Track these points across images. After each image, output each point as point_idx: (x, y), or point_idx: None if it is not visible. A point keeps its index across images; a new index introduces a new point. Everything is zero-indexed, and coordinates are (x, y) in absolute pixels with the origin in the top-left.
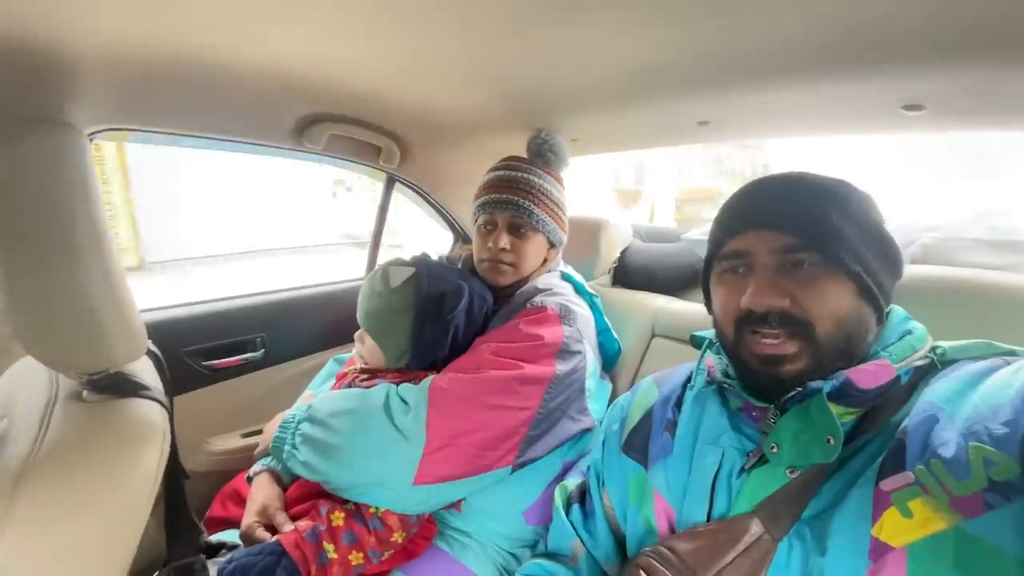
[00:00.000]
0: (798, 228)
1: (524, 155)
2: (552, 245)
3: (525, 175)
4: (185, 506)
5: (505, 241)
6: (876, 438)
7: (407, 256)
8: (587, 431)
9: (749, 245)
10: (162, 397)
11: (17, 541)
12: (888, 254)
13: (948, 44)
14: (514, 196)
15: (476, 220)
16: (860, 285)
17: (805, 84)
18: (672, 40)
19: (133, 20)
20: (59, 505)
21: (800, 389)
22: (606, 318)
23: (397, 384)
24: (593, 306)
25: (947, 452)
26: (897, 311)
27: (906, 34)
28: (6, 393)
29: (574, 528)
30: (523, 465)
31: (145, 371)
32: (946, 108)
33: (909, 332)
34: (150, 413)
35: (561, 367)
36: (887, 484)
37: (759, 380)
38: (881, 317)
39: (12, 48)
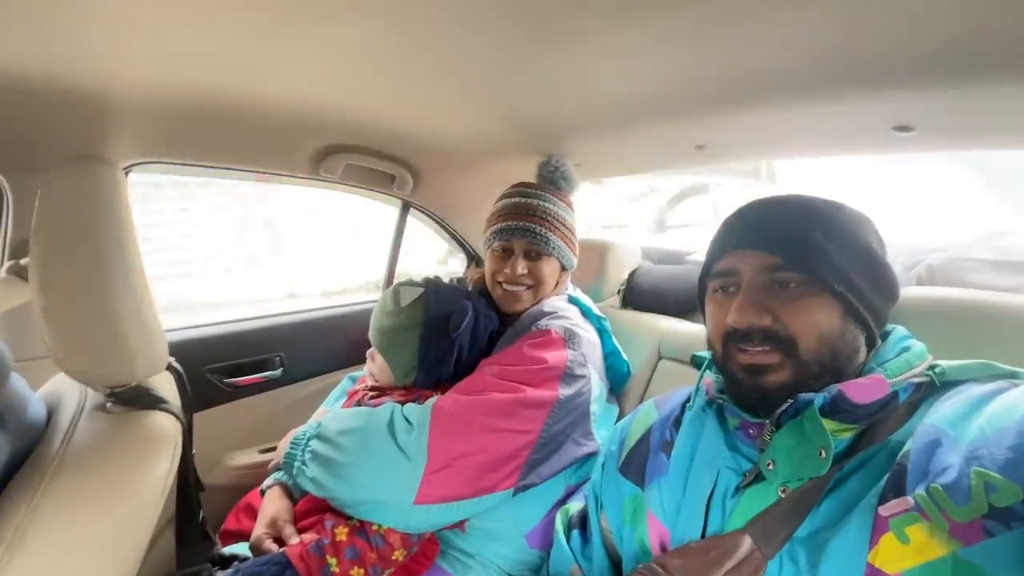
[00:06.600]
0: (782, 248)
1: (533, 180)
2: (564, 268)
3: (540, 202)
4: (196, 518)
5: (523, 266)
6: (874, 457)
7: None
8: (592, 455)
9: (736, 264)
10: (178, 411)
11: (43, 533)
12: (878, 275)
13: (930, 66)
14: (531, 224)
15: (490, 245)
16: (846, 305)
17: (797, 108)
18: (668, 67)
19: (164, 64)
20: (77, 503)
21: (792, 401)
22: (614, 340)
23: (403, 403)
24: (602, 329)
25: (948, 477)
26: (898, 330)
27: (890, 58)
28: (48, 402)
29: (573, 554)
30: (525, 488)
31: (166, 386)
32: (934, 129)
33: (907, 349)
34: (165, 425)
35: (564, 391)
36: (886, 509)
37: (745, 391)
38: (873, 337)
39: (56, 91)
